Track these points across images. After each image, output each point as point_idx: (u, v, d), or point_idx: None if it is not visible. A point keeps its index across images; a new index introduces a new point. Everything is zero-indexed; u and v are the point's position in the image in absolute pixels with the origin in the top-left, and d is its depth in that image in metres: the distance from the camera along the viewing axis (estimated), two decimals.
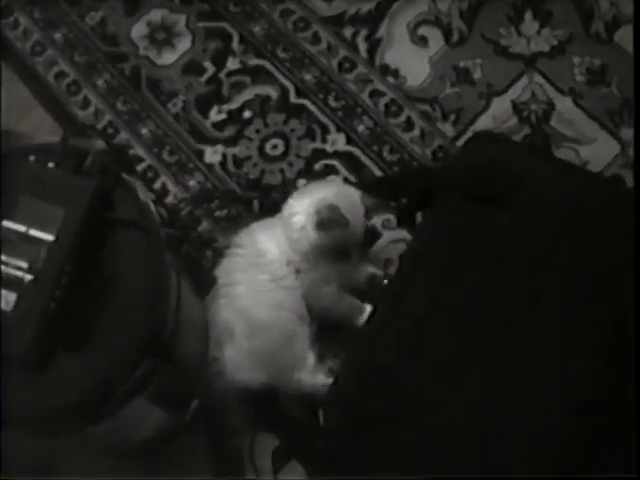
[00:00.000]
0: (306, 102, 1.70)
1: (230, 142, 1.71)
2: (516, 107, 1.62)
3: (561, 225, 1.13)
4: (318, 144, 1.67)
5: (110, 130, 1.73)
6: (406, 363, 1.09)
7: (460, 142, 1.59)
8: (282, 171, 1.67)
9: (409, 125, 1.65)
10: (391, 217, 1.56)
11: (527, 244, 1.12)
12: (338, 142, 1.65)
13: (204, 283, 1.38)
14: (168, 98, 1.74)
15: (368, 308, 1.39)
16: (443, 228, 1.21)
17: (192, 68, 1.77)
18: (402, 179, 1.46)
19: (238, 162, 1.70)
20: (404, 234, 1.53)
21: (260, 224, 1.46)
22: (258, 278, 1.36)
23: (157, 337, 1.15)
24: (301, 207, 1.37)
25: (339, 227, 1.34)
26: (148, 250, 1.17)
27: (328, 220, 1.32)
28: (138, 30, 1.81)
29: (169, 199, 1.66)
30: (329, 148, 1.66)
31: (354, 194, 1.38)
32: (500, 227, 1.14)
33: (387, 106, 1.67)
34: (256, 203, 1.65)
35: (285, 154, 1.66)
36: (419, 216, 1.41)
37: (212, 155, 1.70)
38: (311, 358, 1.34)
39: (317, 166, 1.65)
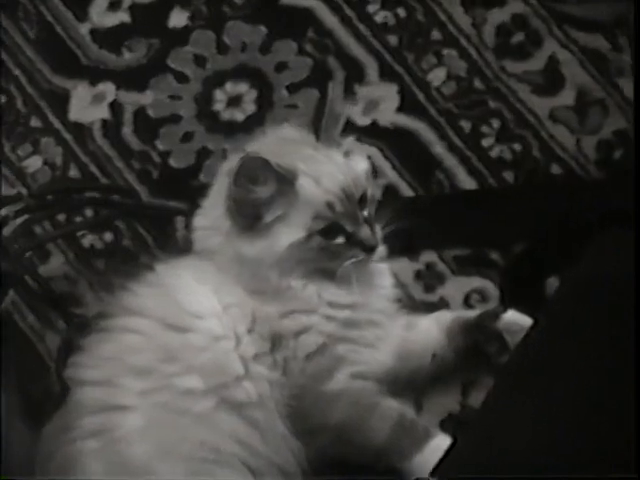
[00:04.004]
0: None
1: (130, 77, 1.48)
2: None
3: None
4: None
5: None
6: None
7: None
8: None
9: None
10: (486, 286, 1.28)
11: None
12: None
13: (42, 400, 1.15)
14: None
15: (442, 438, 1.11)
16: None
17: None
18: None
19: (147, 122, 1.43)
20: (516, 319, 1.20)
21: (180, 263, 1.19)
22: (175, 386, 1.08)
23: None
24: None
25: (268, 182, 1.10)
26: None
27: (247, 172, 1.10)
28: None
29: None
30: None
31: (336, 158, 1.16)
32: None
33: None
34: (180, 221, 1.34)
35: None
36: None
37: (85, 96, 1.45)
38: None
39: None
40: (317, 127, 1.17)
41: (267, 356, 1.12)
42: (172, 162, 1.40)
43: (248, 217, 1.11)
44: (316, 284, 1.13)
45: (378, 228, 1.15)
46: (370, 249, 1.12)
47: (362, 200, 1.12)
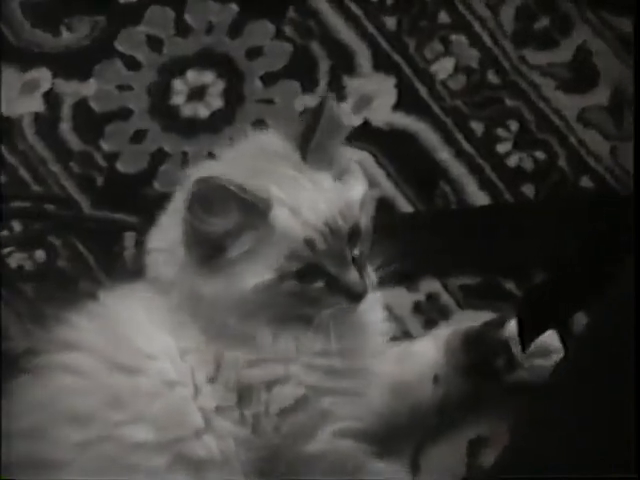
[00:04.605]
0: None
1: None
2: None
3: None
4: None
5: None
6: None
7: None
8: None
9: None
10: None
11: None
12: None
13: None
14: None
15: None
16: None
17: None
18: None
19: (90, 117, 1.37)
20: None
21: (130, 292, 1.11)
22: (121, 437, 1.01)
23: None
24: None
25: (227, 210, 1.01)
26: None
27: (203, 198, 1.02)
28: None
29: None
30: None
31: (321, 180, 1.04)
32: None
33: None
34: (129, 237, 1.30)
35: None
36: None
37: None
38: None
39: None
40: (305, 141, 1.04)
41: (233, 410, 1.06)
42: (120, 166, 1.34)
43: (206, 250, 1.05)
44: (289, 331, 1.07)
45: (370, 270, 1.07)
46: (356, 297, 1.05)
47: (353, 234, 1.03)
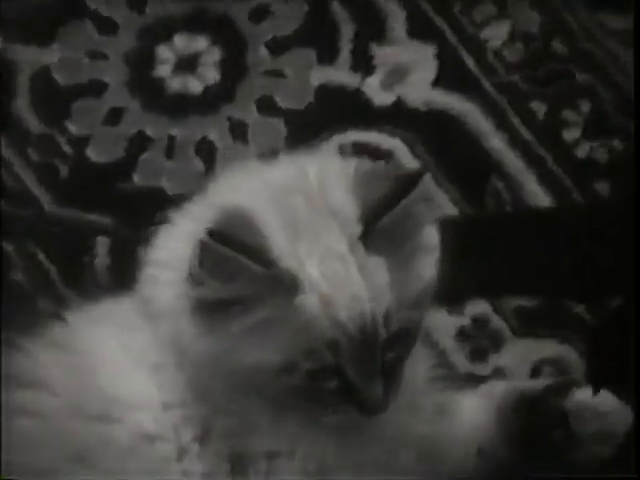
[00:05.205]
0: None
1: None
2: None
3: None
4: None
5: None
6: None
7: None
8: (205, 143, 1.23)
9: None
10: (565, 354, 1.10)
11: None
12: None
13: None
14: None
15: None
16: None
17: None
18: None
19: (54, 92, 1.25)
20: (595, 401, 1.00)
21: (106, 315, 0.95)
22: None
23: None
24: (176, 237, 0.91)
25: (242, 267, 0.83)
26: None
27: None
28: None
29: None
30: None
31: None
32: None
33: None
34: (102, 243, 1.18)
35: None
36: None
37: None
38: None
39: None
40: (375, 211, 0.83)
41: (225, 479, 0.95)
42: (91, 154, 1.22)
43: (208, 307, 0.89)
44: (288, 418, 0.94)
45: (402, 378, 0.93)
46: (370, 413, 0.90)
47: (394, 338, 0.88)
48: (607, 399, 1.00)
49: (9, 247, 1.21)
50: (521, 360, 1.11)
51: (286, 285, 0.88)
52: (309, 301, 0.88)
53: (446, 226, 1.04)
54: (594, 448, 1.02)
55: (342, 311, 0.89)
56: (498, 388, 1.06)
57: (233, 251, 0.87)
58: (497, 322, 1.12)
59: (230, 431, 0.98)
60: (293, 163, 0.96)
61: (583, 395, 1.00)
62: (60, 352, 0.99)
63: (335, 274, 0.88)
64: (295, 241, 0.89)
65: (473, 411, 1.04)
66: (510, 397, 1.02)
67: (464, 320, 1.12)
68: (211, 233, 0.87)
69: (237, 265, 0.88)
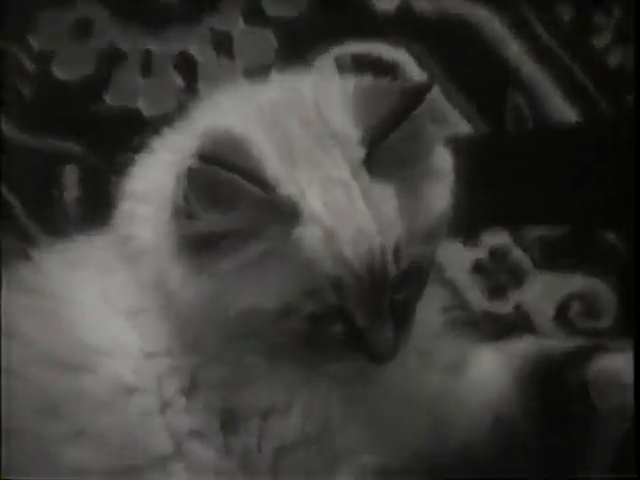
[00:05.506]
0: None
1: None
2: None
3: None
4: None
5: None
6: None
7: None
8: None
9: None
10: (595, 289, 1.05)
11: None
12: None
13: None
14: None
15: None
16: None
17: None
18: None
19: None
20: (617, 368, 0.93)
21: (78, 254, 0.87)
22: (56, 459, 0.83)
23: None
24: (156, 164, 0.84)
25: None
26: None
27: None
28: None
29: None
30: None
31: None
32: None
33: None
34: (71, 173, 1.12)
35: None
36: None
37: None
38: None
39: None
40: (380, 130, 0.77)
41: (214, 436, 0.86)
42: (56, 71, 1.15)
43: (196, 241, 0.82)
44: (288, 365, 0.87)
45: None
46: (379, 360, 0.83)
47: (405, 276, 0.81)
48: (630, 369, 0.94)
49: None
50: (545, 297, 1.04)
51: (286, 214, 0.80)
52: (310, 234, 0.81)
53: (459, 147, 0.93)
54: (613, 423, 0.94)
55: (347, 246, 0.81)
56: (519, 345, 0.97)
57: (228, 172, 0.80)
58: (517, 254, 1.07)
59: (221, 383, 0.91)
60: (285, 81, 0.88)
61: (606, 363, 0.92)
62: (29, 296, 0.92)
63: (337, 204, 0.80)
64: (292, 168, 0.81)
65: (491, 371, 0.97)
66: (530, 360, 0.94)
67: (481, 253, 1.07)
68: (201, 156, 0.80)
69: (232, 190, 0.79)
